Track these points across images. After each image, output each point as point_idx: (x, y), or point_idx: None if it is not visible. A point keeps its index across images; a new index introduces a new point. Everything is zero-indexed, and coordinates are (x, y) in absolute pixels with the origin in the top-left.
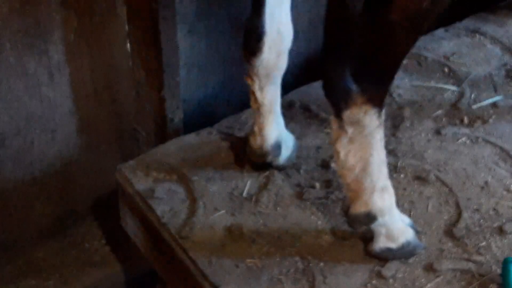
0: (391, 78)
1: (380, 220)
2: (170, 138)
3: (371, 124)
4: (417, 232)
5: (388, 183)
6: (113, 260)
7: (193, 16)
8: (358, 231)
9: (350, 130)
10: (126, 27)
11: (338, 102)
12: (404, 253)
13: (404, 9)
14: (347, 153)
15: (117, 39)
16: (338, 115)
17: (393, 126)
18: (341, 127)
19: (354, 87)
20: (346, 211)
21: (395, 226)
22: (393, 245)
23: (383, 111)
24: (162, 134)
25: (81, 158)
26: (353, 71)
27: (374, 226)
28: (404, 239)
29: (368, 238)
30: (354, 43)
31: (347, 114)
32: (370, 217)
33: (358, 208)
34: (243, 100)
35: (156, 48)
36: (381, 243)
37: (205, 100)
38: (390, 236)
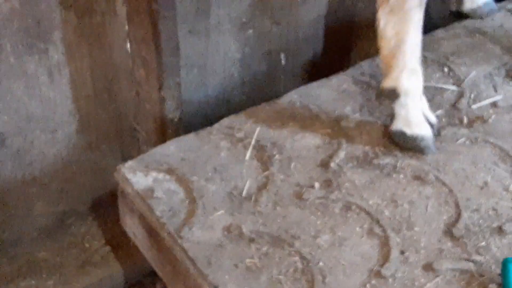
0: None
1: (402, 99)
2: (170, 138)
3: (411, 1)
4: (435, 136)
5: (419, 68)
6: (113, 260)
7: (193, 16)
8: (384, 104)
9: (392, 0)
10: (126, 27)
11: None
12: (414, 145)
13: None
14: (386, 23)
15: (117, 39)
16: None
17: None
18: None
19: None
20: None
21: (414, 115)
22: (407, 131)
23: None
24: (162, 134)
25: (81, 158)
26: None
27: (396, 106)
28: (418, 131)
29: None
30: None
31: None
32: (394, 93)
33: (387, 83)
34: (243, 100)
35: (156, 48)
36: (398, 125)
37: (205, 100)
38: (406, 121)
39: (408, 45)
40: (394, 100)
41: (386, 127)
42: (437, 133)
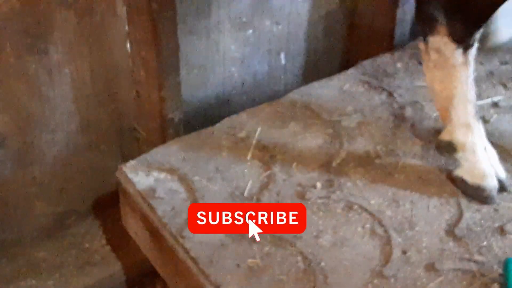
0: (478, 23)
1: (460, 154)
2: (170, 138)
3: (454, 57)
4: (504, 190)
5: (473, 122)
6: (113, 260)
7: (193, 16)
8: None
9: (434, 56)
10: (126, 27)
11: (424, 27)
12: (475, 195)
13: None
14: (432, 78)
15: (117, 39)
16: (425, 39)
17: (394, 126)
18: (427, 51)
19: (440, 17)
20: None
21: (477, 166)
22: (468, 180)
23: (471, 52)
24: (162, 134)
25: (81, 158)
26: (444, 4)
27: (458, 156)
28: (480, 182)
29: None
30: None
31: (431, 40)
32: (451, 147)
33: (444, 136)
34: (243, 100)
35: (156, 48)
36: (460, 172)
37: (205, 100)
38: (469, 172)
39: (457, 100)
40: (452, 154)
41: (389, 128)
42: (505, 188)
